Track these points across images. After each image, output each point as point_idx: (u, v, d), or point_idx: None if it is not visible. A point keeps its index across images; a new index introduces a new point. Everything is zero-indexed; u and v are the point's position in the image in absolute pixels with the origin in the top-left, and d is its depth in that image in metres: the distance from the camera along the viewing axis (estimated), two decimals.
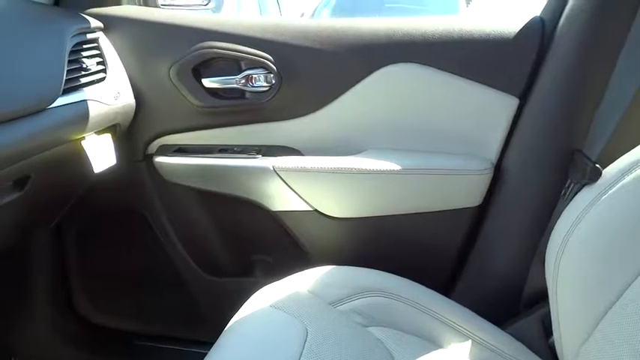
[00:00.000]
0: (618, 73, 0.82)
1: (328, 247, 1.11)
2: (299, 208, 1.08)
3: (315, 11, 6.31)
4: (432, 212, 1.04)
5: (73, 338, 1.33)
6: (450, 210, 1.04)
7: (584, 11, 0.86)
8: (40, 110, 0.80)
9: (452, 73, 0.98)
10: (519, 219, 1.00)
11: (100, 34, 1.03)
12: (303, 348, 0.72)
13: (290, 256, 1.18)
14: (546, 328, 0.92)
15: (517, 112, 0.99)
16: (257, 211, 1.12)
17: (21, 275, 1.20)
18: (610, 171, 0.72)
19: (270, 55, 1.03)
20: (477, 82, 0.98)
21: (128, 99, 1.04)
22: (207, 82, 1.06)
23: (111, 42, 1.05)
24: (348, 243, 1.10)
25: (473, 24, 0.99)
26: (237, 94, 1.07)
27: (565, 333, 0.70)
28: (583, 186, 0.79)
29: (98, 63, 0.99)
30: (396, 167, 1.00)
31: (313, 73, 1.04)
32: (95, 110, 0.92)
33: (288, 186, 1.05)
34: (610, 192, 0.68)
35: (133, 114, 1.07)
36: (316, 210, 1.08)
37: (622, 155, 0.71)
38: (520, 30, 0.96)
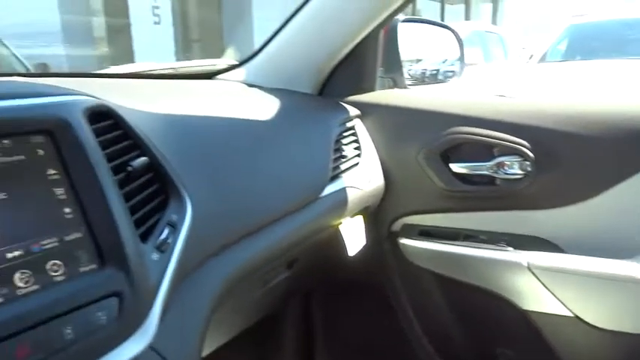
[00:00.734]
0: None
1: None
2: (555, 312, 0.97)
3: (545, 54, 5.91)
4: None
5: None
6: None
7: None
8: (312, 201, 0.88)
9: None
10: None
11: (356, 121, 1.11)
12: None
13: (539, 356, 1.06)
14: None
15: None
16: (504, 304, 1.04)
17: (274, 337, 1.33)
18: None
19: (527, 141, 0.96)
20: None
21: (378, 182, 1.08)
22: (456, 167, 1.04)
23: (365, 127, 1.12)
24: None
25: None
26: (487, 179, 1.03)
27: None
28: None
29: (355, 148, 1.06)
30: None
31: (579, 160, 0.94)
32: (353, 195, 0.98)
33: (544, 286, 0.95)
34: None
35: (382, 196, 1.11)
36: (577, 317, 0.95)
37: None
38: None
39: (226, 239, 0.72)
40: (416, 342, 1.22)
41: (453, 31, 1.47)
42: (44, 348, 0.44)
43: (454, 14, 15.30)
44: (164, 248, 0.58)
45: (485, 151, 1.02)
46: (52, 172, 0.51)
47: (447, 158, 1.05)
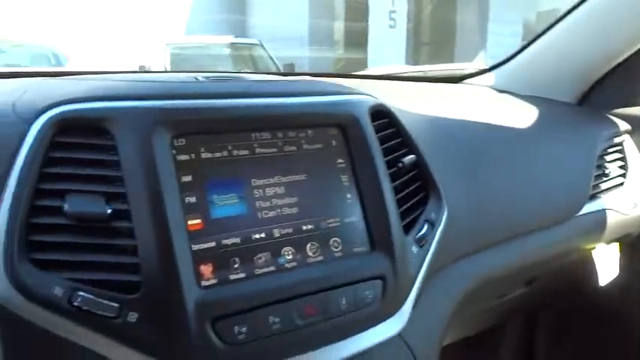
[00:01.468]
0: None
1: None
2: None
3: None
4: None
5: None
6: None
7: None
8: (566, 219, 0.82)
9: None
10: None
11: (625, 137, 0.98)
12: None
13: None
14: None
15: None
16: None
17: (491, 350, 1.28)
18: None
19: None
20: None
21: None
22: None
23: (636, 145, 0.99)
24: None
25: None
26: None
27: None
28: None
29: (620, 167, 0.95)
30: None
31: None
32: (613, 219, 0.88)
33: None
34: None
35: None
36: None
37: None
38: None
39: (475, 245, 0.72)
40: None
41: None
42: (325, 312, 0.51)
43: None
44: (423, 243, 0.61)
45: None
46: (340, 161, 0.58)
47: None
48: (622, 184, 0.93)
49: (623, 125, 0.98)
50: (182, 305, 0.45)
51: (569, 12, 1.00)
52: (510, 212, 0.75)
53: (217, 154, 0.51)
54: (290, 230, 0.53)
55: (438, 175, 0.67)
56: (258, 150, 0.53)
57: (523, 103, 0.99)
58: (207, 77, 0.60)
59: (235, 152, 0.52)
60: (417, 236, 0.61)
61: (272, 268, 0.51)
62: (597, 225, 0.86)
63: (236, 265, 0.49)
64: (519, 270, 0.79)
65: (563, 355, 1.25)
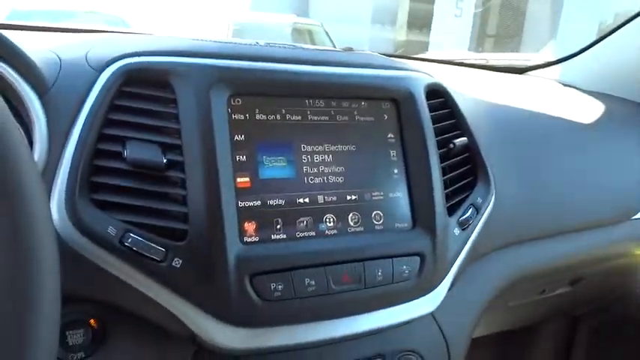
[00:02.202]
0: None
1: None
2: None
3: None
4: None
5: None
6: None
7: None
8: (620, 221, 0.78)
9: None
10: None
11: None
12: None
13: None
14: None
15: None
16: None
17: (527, 348, 1.25)
18: None
19: None
20: None
21: None
22: None
23: None
24: None
25: None
26: None
27: None
28: None
29: None
30: None
31: None
32: None
33: None
34: None
35: None
36: None
37: None
38: None
39: (520, 235, 0.70)
40: None
41: None
42: (360, 281, 0.52)
43: None
44: (466, 226, 0.60)
45: None
46: (391, 135, 0.58)
47: None
48: None
49: None
50: (224, 257, 0.47)
51: None
52: (561, 207, 0.73)
53: (271, 117, 0.52)
54: (334, 198, 0.54)
55: (489, 160, 0.66)
56: (310, 117, 0.54)
57: (587, 99, 0.95)
58: (267, 43, 0.61)
59: (288, 117, 0.53)
60: (461, 219, 0.60)
61: (312, 233, 0.52)
62: None
63: (278, 226, 0.51)
64: (564, 268, 0.77)
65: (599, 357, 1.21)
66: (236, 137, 0.50)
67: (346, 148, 0.55)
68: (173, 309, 0.48)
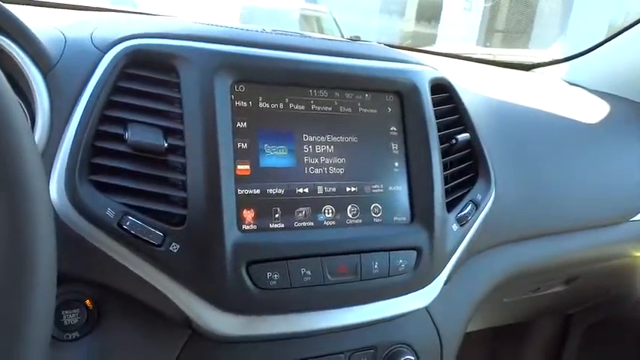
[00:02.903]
0: None
1: None
2: None
3: None
4: None
5: None
6: None
7: None
8: (619, 222, 0.78)
9: None
10: None
11: None
12: None
13: None
14: None
15: None
16: None
17: (519, 344, 1.26)
18: None
19: None
20: None
21: None
22: None
23: None
24: None
25: None
26: None
27: None
28: None
29: None
30: None
31: None
32: None
33: None
34: None
35: None
36: None
37: None
38: None
39: (519, 233, 0.71)
40: None
41: None
42: (356, 273, 0.52)
43: None
44: (464, 222, 0.61)
45: None
46: (393, 128, 0.58)
47: None
48: None
49: None
50: (221, 244, 0.47)
51: None
52: (560, 207, 0.73)
53: (274, 105, 0.52)
54: (333, 189, 0.54)
55: (491, 157, 0.66)
56: (313, 107, 0.54)
57: (593, 98, 0.94)
58: (274, 30, 0.61)
59: (291, 105, 0.53)
60: (459, 215, 0.60)
61: (311, 223, 0.52)
62: None
63: (277, 215, 0.51)
64: (560, 266, 0.77)
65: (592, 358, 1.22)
66: (238, 124, 0.50)
67: (348, 139, 0.55)
68: (169, 293, 0.48)
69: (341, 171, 0.54)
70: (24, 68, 0.47)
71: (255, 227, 0.50)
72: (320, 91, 0.55)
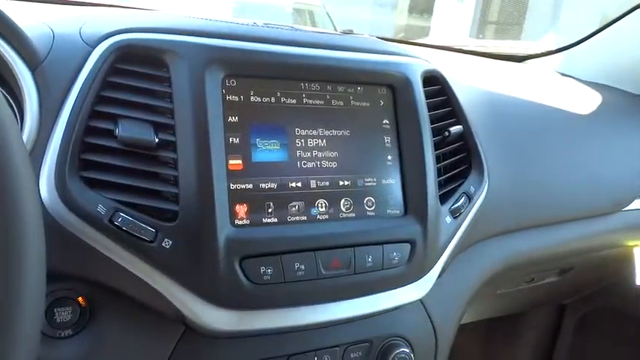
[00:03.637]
0: None
1: None
2: None
3: None
4: None
5: None
6: None
7: None
8: (613, 212, 0.79)
9: None
10: None
11: None
12: None
13: None
14: None
15: None
16: None
17: (513, 335, 1.26)
18: None
19: None
20: None
21: None
22: None
23: None
24: None
25: None
26: None
27: None
28: None
29: None
30: None
31: None
32: None
33: None
34: None
35: None
36: None
37: None
38: None
39: (512, 224, 0.71)
40: None
41: None
42: (349, 267, 0.52)
43: None
44: (457, 215, 0.61)
45: None
46: (386, 121, 0.58)
47: None
48: None
49: None
50: (214, 239, 0.46)
51: None
52: (553, 197, 0.73)
53: (265, 99, 0.52)
54: (326, 183, 0.54)
55: (483, 150, 0.66)
56: (305, 100, 0.54)
57: (585, 89, 0.94)
58: (265, 24, 0.60)
59: (283, 100, 0.53)
60: (453, 207, 0.60)
61: (304, 218, 0.52)
62: None
63: (270, 210, 0.51)
64: (555, 257, 0.78)
65: (586, 353, 1.22)
66: (230, 119, 0.50)
67: (340, 133, 0.55)
68: (162, 289, 0.48)
69: (334, 165, 0.54)
70: (11, 64, 0.47)
71: (248, 222, 0.49)
72: (312, 85, 0.54)
